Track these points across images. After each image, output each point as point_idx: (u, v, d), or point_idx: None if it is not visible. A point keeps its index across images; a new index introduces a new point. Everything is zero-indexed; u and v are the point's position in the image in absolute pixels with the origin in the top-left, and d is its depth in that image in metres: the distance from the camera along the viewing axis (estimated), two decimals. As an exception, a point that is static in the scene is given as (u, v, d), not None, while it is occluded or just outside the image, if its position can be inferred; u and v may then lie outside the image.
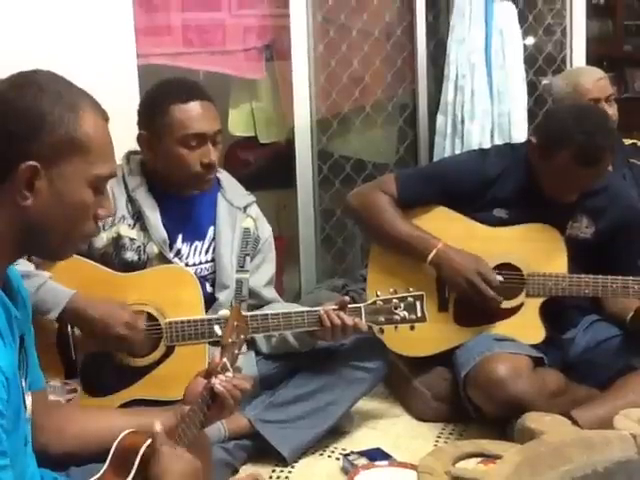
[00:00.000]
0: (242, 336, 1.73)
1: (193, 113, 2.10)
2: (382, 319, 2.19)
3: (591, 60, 3.44)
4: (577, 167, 2.26)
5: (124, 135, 2.15)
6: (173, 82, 2.22)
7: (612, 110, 2.78)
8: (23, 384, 1.28)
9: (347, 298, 2.20)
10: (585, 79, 2.79)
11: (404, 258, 2.46)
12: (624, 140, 2.96)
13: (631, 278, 2.31)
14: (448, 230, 2.47)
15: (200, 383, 1.60)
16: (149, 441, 1.42)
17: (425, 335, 2.40)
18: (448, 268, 2.40)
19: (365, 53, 3.27)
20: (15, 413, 1.21)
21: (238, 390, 1.57)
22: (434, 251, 2.39)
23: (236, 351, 1.68)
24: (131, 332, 2.01)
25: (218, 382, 1.56)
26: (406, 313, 2.19)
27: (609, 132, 2.31)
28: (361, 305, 2.19)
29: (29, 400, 1.31)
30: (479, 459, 1.76)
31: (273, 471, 2.19)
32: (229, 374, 1.60)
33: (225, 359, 1.62)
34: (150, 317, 2.10)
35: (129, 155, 2.22)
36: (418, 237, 2.43)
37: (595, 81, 2.78)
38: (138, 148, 2.20)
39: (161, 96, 2.15)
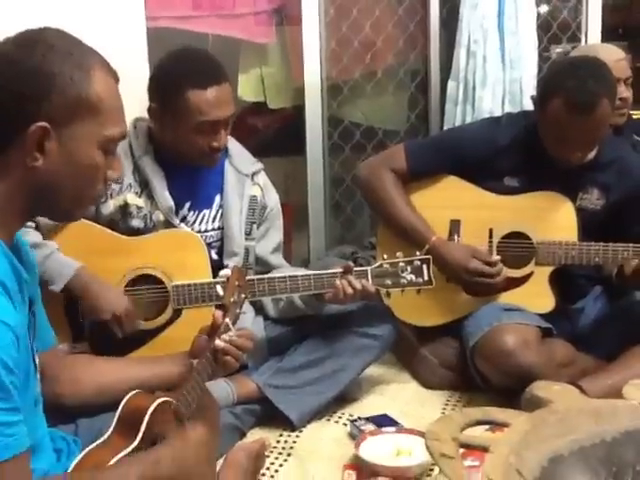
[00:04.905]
0: (243, 295, 1.75)
1: (210, 100, 2.05)
2: (389, 282, 2.18)
3: (606, 28, 3.37)
4: (568, 115, 2.19)
5: (132, 99, 2.12)
6: (190, 61, 2.12)
7: (627, 93, 2.69)
8: (33, 346, 1.29)
9: (351, 263, 2.20)
10: (605, 57, 2.56)
11: None
12: (633, 113, 2.89)
13: None
14: (458, 199, 2.46)
15: (203, 340, 1.64)
16: (156, 403, 1.44)
17: (435, 304, 2.41)
18: (441, 264, 2.38)
19: (376, 17, 3.22)
20: (25, 373, 1.21)
21: (240, 349, 1.64)
22: (426, 247, 2.37)
23: (238, 310, 1.70)
24: (116, 323, 2.02)
25: (222, 342, 1.61)
26: (413, 276, 2.18)
27: (604, 80, 2.21)
28: (368, 268, 2.18)
29: (38, 361, 1.31)
30: (486, 427, 1.76)
31: (280, 435, 2.20)
32: (231, 333, 1.64)
33: (228, 319, 1.65)
34: (157, 280, 2.10)
35: (136, 122, 2.19)
36: (413, 228, 2.42)
37: (615, 61, 2.63)
38: (145, 114, 2.17)
39: (178, 77, 2.07)
